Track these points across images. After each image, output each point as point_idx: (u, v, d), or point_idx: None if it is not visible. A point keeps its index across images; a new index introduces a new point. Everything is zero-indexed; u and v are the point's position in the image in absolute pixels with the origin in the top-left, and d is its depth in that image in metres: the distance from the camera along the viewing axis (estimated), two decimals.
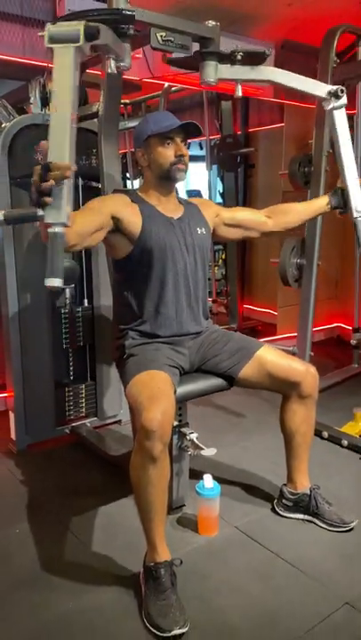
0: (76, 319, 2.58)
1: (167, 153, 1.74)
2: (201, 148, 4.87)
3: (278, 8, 2.92)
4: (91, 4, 2.49)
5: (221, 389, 1.87)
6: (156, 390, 1.55)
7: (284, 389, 1.85)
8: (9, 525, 1.94)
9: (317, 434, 2.46)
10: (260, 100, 4.06)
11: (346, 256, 3.92)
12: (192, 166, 1.93)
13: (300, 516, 1.93)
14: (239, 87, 1.79)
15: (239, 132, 4.38)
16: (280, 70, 1.85)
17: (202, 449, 1.83)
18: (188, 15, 1.89)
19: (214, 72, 1.74)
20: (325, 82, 2.58)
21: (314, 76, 2.65)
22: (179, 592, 1.52)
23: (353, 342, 3.45)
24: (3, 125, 2.34)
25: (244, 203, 4.47)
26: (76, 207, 1.77)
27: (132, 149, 1.86)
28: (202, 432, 1.90)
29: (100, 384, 2.67)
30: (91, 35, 1.27)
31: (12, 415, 2.50)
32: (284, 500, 1.95)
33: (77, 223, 1.52)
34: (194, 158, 3.41)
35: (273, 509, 1.99)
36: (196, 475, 1.99)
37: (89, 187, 2.50)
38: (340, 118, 1.96)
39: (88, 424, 2.65)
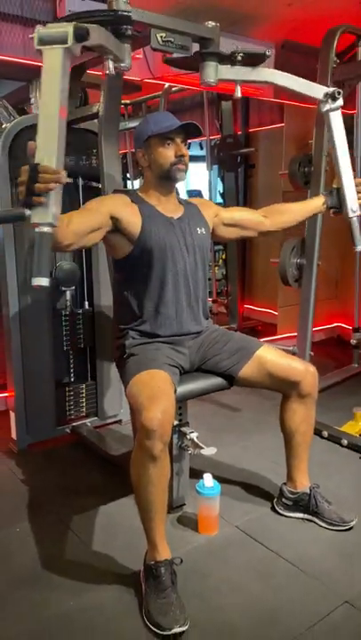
0: (76, 321, 2.59)
1: (167, 153, 1.75)
2: (201, 148, 4.88)
3: (278, 8, 2.92)
4: (91, 5, 2.50)
5: (221, 389, 1.88)
6: (157, 390, 1.56)
7: (284, 389, 1.86)
8: (10, 524, 1.95)
9: (317, 433, 2.47)
10: (261, 101, 4.06)
11: (346, 256, 3.92)
12: (192, 166, 1.94)
13: (300, 515, 1.93)
14: (238, 88, 1.79)
15: (239, 133, 4.39)
16: (279, 72, 1.86)
17: (202, 448, 1.84)
18: (188, 16, 1.90)
19: (214, 72, 1.75)
20: (325, 82, 2.59)
21: (314, 76, 2.66)
22: (179, 591, 1.52)
23: (353, 342, 3.46)
24: (3, 126, 2.35)
25: (245, 203, 4.47)
26: (77, 207, 1.78)
27: (133, 149, 1.86)
28: (202, 431, 1.91)
29: (101, 384, 2.67)
30: (80, 36, 1.27)
31: (12, 415, 2.51)
32: (283, 499, 1.96)
33: (74, 223, 1.54)
34: (194, 158, 3.42)
35: (273, 508, 1.99)
36: (196, 474, 2.00)
37: (89, 187, 2.51)
38: (336, 119, 1.98)
39: (88, 424, 2.66)
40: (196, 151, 5.16)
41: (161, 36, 1.70)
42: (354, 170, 3.09)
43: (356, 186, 2.00)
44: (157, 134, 1.74)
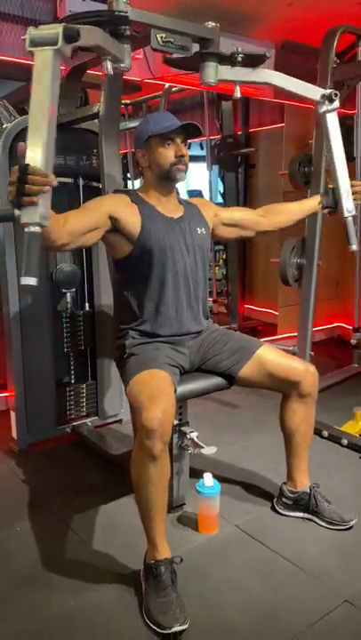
0: (77, 323, 2.59)
1: (167, 153, 1.75)
2: (202, 148, 4.88)
3: (278, 8, 2.93)
4: (91, 5, 2.50)
5: (221, 388, 1.88)
6: (157, 389, 1.56)
7: (284, 388, 1.86)
8: (10, 524, 1.95)
9: (317, 433, 2.47)
10: (261, 101, 4.07)
11: (346, 256, 3.92)
12: (193, 166, 1.94)
13: (300, 514, 1.93)
14: (238, 88, 1.80)
15: (240, 133, 4.40)
16: (278, 73, 1.88)
17: (202, 448, 1.84)
18: (188, 16, 1.90)
19: (214, 73, 1.75)
20: (325, 82, 2.60)
21: (314, 76, 2.67)
22: (179, 589, 1.53)
23: (353, 342, 3.46)
24: (4, 126, 2.35)
25: (245, 203, 4.48)
26: (77, 207, 1.78)
27: (133, 149, 1.87)
28: (202, 431, 1.91)
29: (101, 383, 2.68)
30: (70, 37, 1.27)
31: (13, 414, 2.51)
32: (283, 499, 1.96)
33: (70, 222, 1.54)
34: (194, 158, 3.43)
35: (273, 508, 2.00)
36: (196, 473, 2.00)
37: (90, 187, 2.51)
38: (333, 120, 2.00)
39: (89, 423, 2.66)
40: (196, 151, 5.16)
41: (161, 37, 1.70)
42: (354, 170, 3.12)
43: (353, 187, 2.03)
44: (158, 134, 1.75)
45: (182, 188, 6.14)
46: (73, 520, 1.96)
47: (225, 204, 4.21)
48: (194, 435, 1.88)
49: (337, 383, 3.25)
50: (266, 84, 1.86)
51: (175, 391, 1.65)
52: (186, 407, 1.94)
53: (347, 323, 4.15)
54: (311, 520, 1.91)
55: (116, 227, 1.72)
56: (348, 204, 2.02)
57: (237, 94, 1.81)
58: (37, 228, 1.25)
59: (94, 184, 2.50)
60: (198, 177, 5.40)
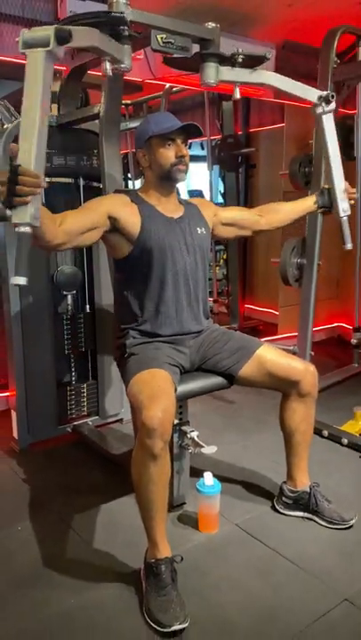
0: (77, 324, 2.59)
1: (168, 154, 1.76)
2: (202, 148, 4.88)
3: (279, 9, 2.93)
4: (92, 6, 2.51)
5: (222, 388, 1.89)
6: (157, 389, 1.57)
7: (284, 388, 1.86)
8: (11, 523, 1.96)
9: (318, 432, 2.47)
10: (261, 101, 4.07)
11: (347, 256, 3.91)
12: (193, 166, 1.95)
13: (300, 513, 1.94)
14: (237, 89, 1.82)
15: (240, 133, 4.40)
16: (277, 75, 1.90)
17: (202, 447, 1.85)
18: (188, 16, 1.91)
19: (214, 73, 1.76)
20: (326, 82, 2.60)
21: (314, 76, 2.67)
22: (179, 588, 1.53)
23: (353, 342, 3.46)
24: (5, 127, 2.35)
25: (245, 203, 4.48)
26: (77, 207, 1.79)
27: (134, 150, 1.88)
28: (202, 430, 1.92)
29: (102, 383, 2.68)
30: (62, 38, 1.27)
31: (14, 414, 2.52)
32: (283, 498, 1.96)
33: (67, 222, 1.56)
34: (195, 158, 3.43)
35: (273, 507, 2.00)
36: (196, 473, 2.00)
37: (90, 187, 2.52)
38: (329, 122, 2.02)
39: (90, 423, 2.66)
40: (197, 151, 5.16)
41: (161, 37, 1.71)
42: (354, 170, 3.13)
43: (346, 191, 2.06)
44: (158, 135, 1.75)
45: (183, 187, 6.15)
46: (74, 519, 1.97)
47: (226, 204, 4.22)
48: (194, 434, 1.88)
49: (337, 383, 3.25)
50: (265, 86, 1.88)
51: (175, 390, 1.66)
52: (186, 406, 1.94)
53: (347, 322, 4.15)
54: (311, 519, 1.92)
55: (115, 227, 1.72)
56: (343, 204, 2.05)
57: (237, 95, 1.82)
58: (28, 229, 1.26)
59: (95, 184, 2.51)
60: (199, 177, 5.40)
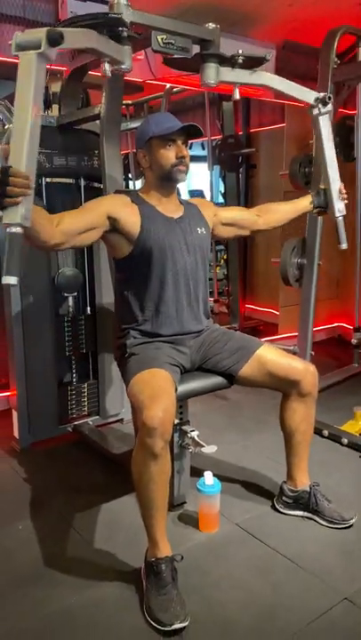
0: (78, 326, 2.60)
1: (168, 155, 1.76)
2: (203, 149, 4.89)
3: (279, 9, 2.93)
4: (92, 7, 2.51)
5: (222, 388, 1.89)
6: (158, 388, 1.57)
7: (284, 388, 1.87)
8: (12, 522, 1.96)
9: (318, 432, 2.48)
10: (262, 101, 4.08)
11: (347, 256, 3.92)
12: (194, 166, 1.95)
13: (300, 513, 1.94)
14: (237, 90, 1.83)
15: (240, 133, 4.40)
16: (275, 76, 1.92)
17: (202, 446, 1.86)
18: (189, 17, 1.91)
19: (215, 74, 1.76)
20: (326, 83, 2.61)
21: (314, 77, 2.68)
22: (179, 587, 1.54)
23: (354, 342, 3.46)
24: (6, 127, 2.36)
25: (246, 203, 4.48)
26: (78, 208, 1.79)
27: (135, 150, 1.89)
28: (203, 430, 1.92)
29: (103, 383, 2.69)
30: (53, 40, 1.28)
31: (15, 414, 2.53)
32: (284, 498, 1.97)
33: (64, 222, 1.57)
34: (196, 158, 3.43)
35: (273, 506, 2.01)
36: (197, 472, 2.01)
37: (91, 187, 2.52)
38: (325, 123, 2.04)
39: (90, 422, 2.67)
40: (197, 151, 5.17)
41: (162, 38, 1.72)
42: (355, 170, 3.13)
43: (341, 193, 2.08)
44: (159, 136, 1.76)
45: (184, 188, 6.16)
46: (75, 519, 1.97)
47: (226, 204, 4.22)
48: (194, 433, 1.89)
49: (337, 383, 3.25)
50: (264, 87, 1.89)
51: (176, 390, 1.66)
52: (186, 406, 1.95)
53: (347, 322, 4.15)
54: (311, 519, 1.92)
55: (115, 227, 1.73)
56: (339, 205, 2.08)
57: (236, 96, 1.83)
58: (19, 229, 1.27)
59: (96, 185, 2.51)
60: (199, 177, 5.41)
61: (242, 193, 4.43)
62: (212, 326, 1.96)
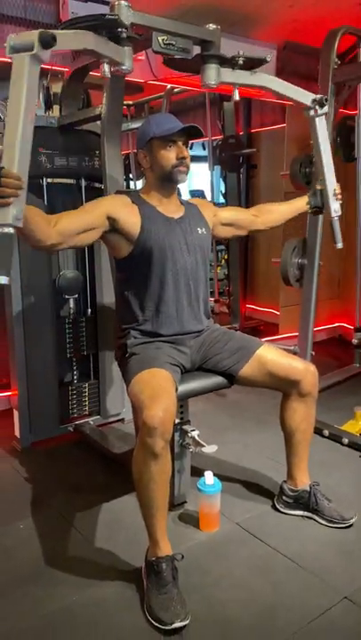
0: (79, 328, 2.60)
1: (169, 155, 1.77)
2: (204, 149, 4.89)
3: (280, 9, 2.94)
4: (93, 8, 2.51)
5: (222, 387, 1.90)
6: (158, 388, 1.58)
7: (285, 387, 1.87)
8: (13, 521, 1.97)
9: (318, 432, 2.48)
10: (263, 101, 4.08)
11: (348, 256, 3.93)
12: (195, 167, 1.96)
13: (300, 512, 1.95)
14: (236, 91, 1.84)
15: (241, 133, 4.40)
16: (275, 78, 1.94)
17: (203, 446, 1.86)
18: (190, 17, 1.92)
19: (215, 75, 1.77)
20: (326, 83, 2.62)
21: (315, 77, 2.68)
22: (180, 586, 1.54)
23: (354, 342, 3.47)
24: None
25: (247, 203, 4.49)
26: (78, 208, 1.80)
27: (135, 150, 1.89)
28: (203, 429, 1.93)
29: (103, 383, 2.69)
30: (46, 42, 1.29)
31: (16, 413, 2.53)
32: (284, 497, 1.97)
33: (62, 223, 1.58)
34: (196, 159, 3.44)
35: (273, 506, 2.01)
36: (197, 472, 2.01)
37: (92, 188, 2.53)
38: (322, 125, 2.07)
39: (91, 422, 2.67)
40: (198, 151, 5.18)
41: (162, 39, 1.72)
42: (355, 170, 3.13)
43: (335, 194, 2.12)
44: (159, 136, 1.76)
45: (184, 188, 6.17)
46: (75, 518, 1.98)
47: (227, 205, 4.22)
48: (195, 433, 1.89)
49: (338, 383, 3.26)
50: (263, 88, 1.90)
51: (176, 390, 1.67)
52: (187, 406, 1.95)
53: (348, 322, 4.15)
54: (311, 518, 1.92)
55: (114, 227, 1.73)
56: (334, 205, 2.12)
57: (236, 97, 1.84)
58: (10, 229, 1.28)
59: (96, 185, 2.52)
60: (200, 177, 5.42)
61: (243, 193, 4.43)
62: (213, 326, 1.96)
